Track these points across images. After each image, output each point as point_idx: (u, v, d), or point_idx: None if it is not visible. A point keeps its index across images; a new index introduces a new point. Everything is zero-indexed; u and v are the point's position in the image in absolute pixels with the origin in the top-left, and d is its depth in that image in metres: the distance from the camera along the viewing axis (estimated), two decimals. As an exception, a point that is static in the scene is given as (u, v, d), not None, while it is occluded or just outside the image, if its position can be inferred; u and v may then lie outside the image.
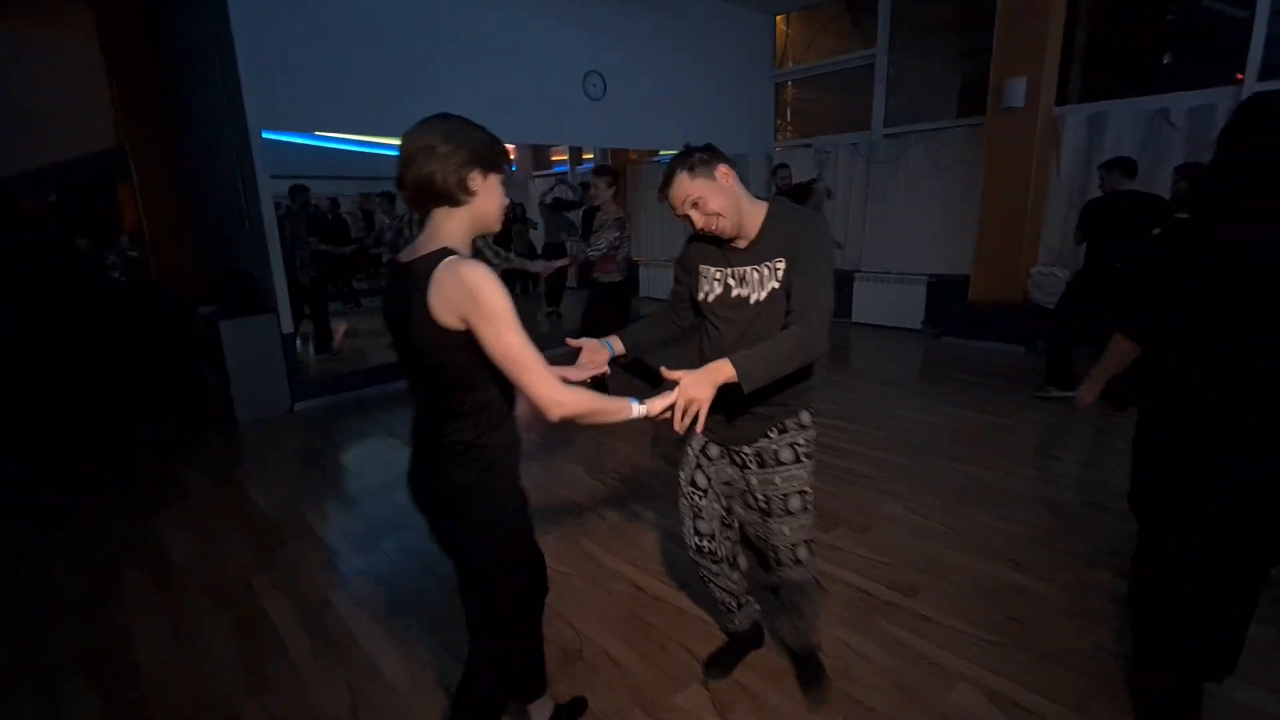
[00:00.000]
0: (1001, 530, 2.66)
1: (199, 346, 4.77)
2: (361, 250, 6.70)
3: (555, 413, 1.09)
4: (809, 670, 1.82)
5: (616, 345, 1.63)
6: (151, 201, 6.10)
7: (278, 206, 4.44)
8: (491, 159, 1.15)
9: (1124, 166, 3.96)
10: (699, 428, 1.27)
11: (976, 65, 5.88)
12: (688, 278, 1.64)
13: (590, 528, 2.79)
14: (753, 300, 1.51)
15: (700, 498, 1.72)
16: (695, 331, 1.69)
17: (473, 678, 1.35)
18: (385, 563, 2.59)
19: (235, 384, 4.27)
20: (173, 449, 3.92)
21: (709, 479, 1.71)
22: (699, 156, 1.46)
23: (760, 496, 1.64)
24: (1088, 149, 5.20)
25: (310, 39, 4.23)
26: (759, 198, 1.54)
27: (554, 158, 12.16)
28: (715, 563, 1.75)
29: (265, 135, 4.18)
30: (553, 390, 1.09)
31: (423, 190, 1.11)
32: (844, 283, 6.83)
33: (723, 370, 1.28)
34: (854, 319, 6.87)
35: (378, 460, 3.78)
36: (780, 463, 1.61)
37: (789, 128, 8.09)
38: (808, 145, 7.41)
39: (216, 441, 4.04)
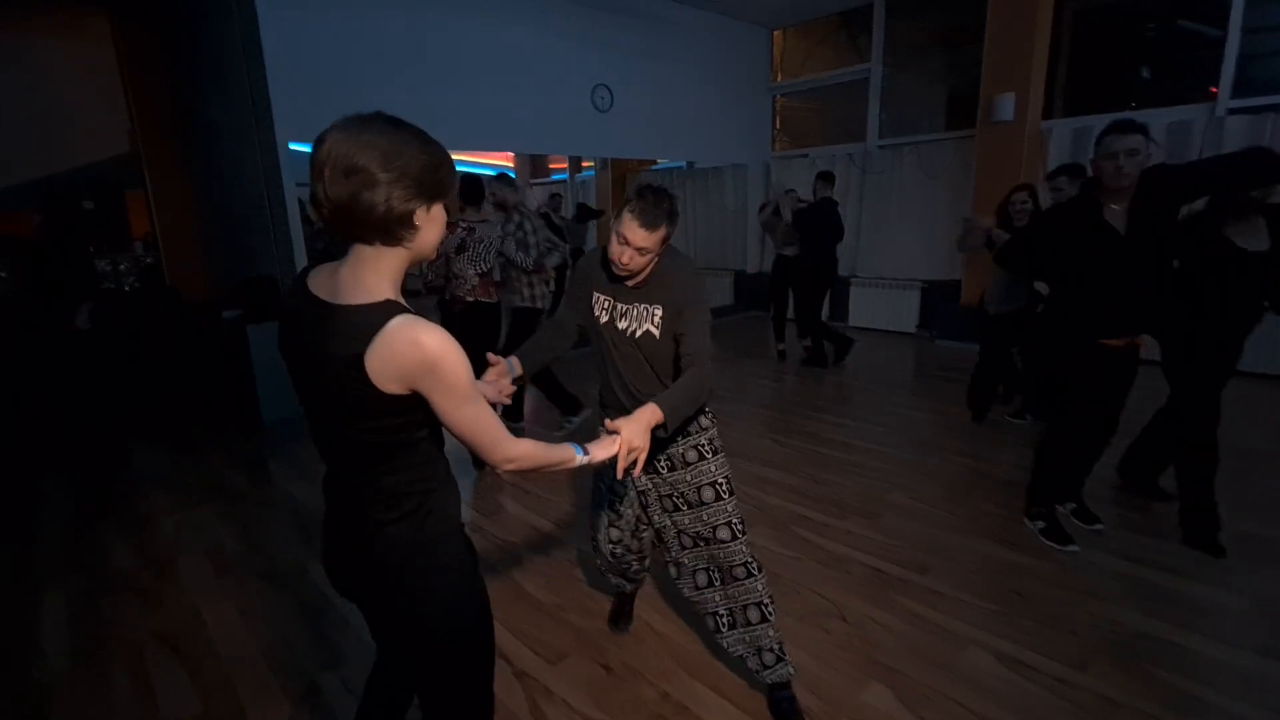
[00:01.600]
0: (999, 515, 2.88)
1: (220, 350, 4.90)
2: None
3: (507, 469, 1.05)
4: (783, 708, 1.78)
5: (516, 366, 1.63)
6: (165, 208, 6.23)
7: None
8: (438, 186, 0.94)
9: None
10: (637, 471, 1.34)
11: (964, 80, 6.17)
12: (580, 302, 1.76)
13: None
14: (629, 334, 1.66)
15: (618, 503, 1.92)
16: (594, 351, 1.78)
17: None
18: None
19: (262, 386, 4.40)
20: (205, 449, 4.05)
21: (626, 486, 1.89)
22: (672, 210, 1.52)
23: (677, 494, 1.79)
24: (1072, 161, 5.48)
25: (335, 53, 4.40)
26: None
27: (551, 165, 12.37)
28: (622, 560, 2.00)
29: (292, 146, 4.34)
30: (507, 448, 1.02)
31: (354, 222, 0.90)
32: (841, 288, 7.07)
33: (654, 415, 1.38)
34: (851, 323, 7.11)
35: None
36: (687, 463, 1.76)
37: (784, 138, 8.35)
38: (804, 155, 7.67)
39: (245, 442, 4.17)
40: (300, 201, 4.60)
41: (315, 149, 0.88)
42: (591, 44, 5.81)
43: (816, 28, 7.68)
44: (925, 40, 7.02)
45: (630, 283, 1.63)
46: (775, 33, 7.78)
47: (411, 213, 0.91)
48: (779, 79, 7.91)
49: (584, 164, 10.67)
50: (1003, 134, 5.53)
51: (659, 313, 1.62)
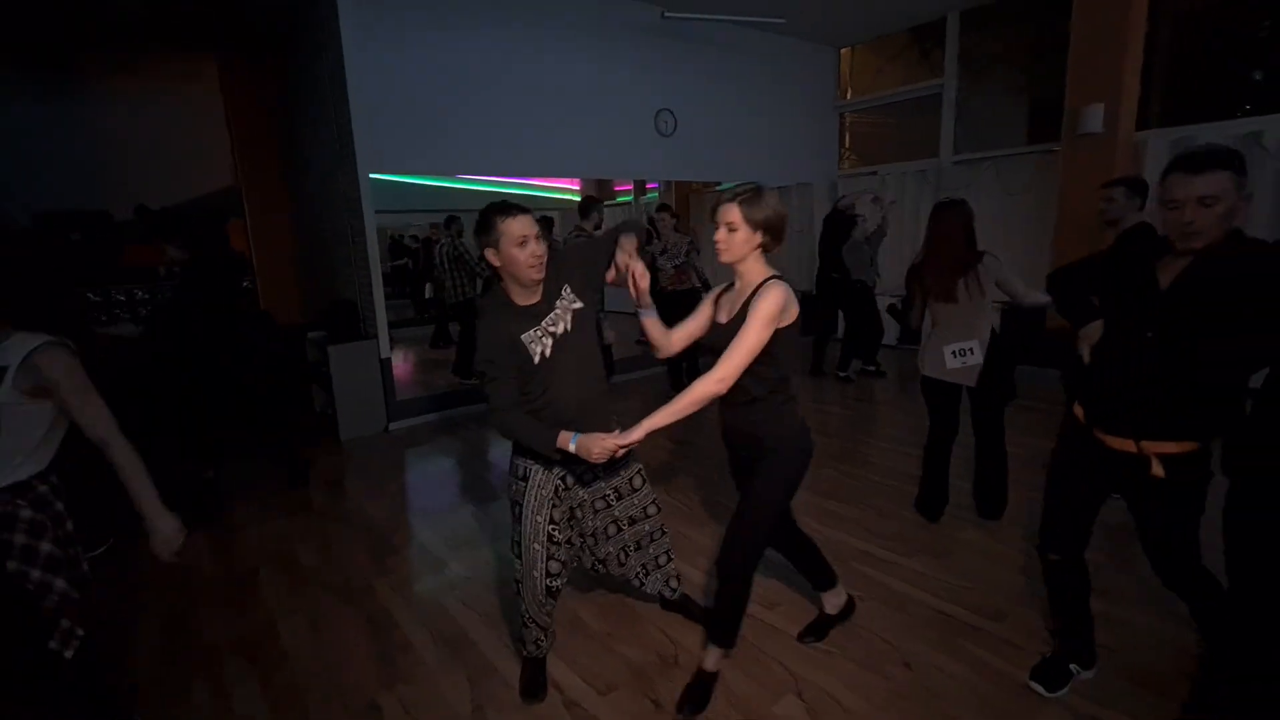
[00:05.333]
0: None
1: (308, 369, 5.21)
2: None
3: (721, 388, 1.69)
4: (691, 609, 2.37)
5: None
6: (262, 235, 6.74)
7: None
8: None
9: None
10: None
11: (1047, 91, 5.85)
12: (514, 356, 1.79)
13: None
14: (568, 331, 1.83)
15: (557, 532, 1.96)
16: (532, 397, 1.84)
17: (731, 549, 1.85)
18: (486, 568, 2.82)
19: (340, 404, 4.65)
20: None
21: (565, 513, 1.98)
22: None
23: (612, 491, 2.06)
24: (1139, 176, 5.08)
25: (412, 90, 4.66)
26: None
27: (616, 189, 12.56)
28: (554, 597, 2.03)
29: (371, 176, 4.60)
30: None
31: (777, 232, 1.75)
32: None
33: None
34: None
35: (469, 475, 4.05)
36: (634, 488, 2.11)
37: (851, 156, 8.16)
38: (873, 173, 7.47)
39: (325, 457, 4.41)
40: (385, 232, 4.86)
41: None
42: (655, 70, 5.89)
43: (887, 44, 7.51)
44: (1003, 51, 6.72)
45: (531, 301, 1.83)
46: (843, 50, 7.66)
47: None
48: (848, 97, 7.76)
49: (647, 187, 10.77)
50: (1091, 147, 5.20)
51: (568, 289, 1.87)
